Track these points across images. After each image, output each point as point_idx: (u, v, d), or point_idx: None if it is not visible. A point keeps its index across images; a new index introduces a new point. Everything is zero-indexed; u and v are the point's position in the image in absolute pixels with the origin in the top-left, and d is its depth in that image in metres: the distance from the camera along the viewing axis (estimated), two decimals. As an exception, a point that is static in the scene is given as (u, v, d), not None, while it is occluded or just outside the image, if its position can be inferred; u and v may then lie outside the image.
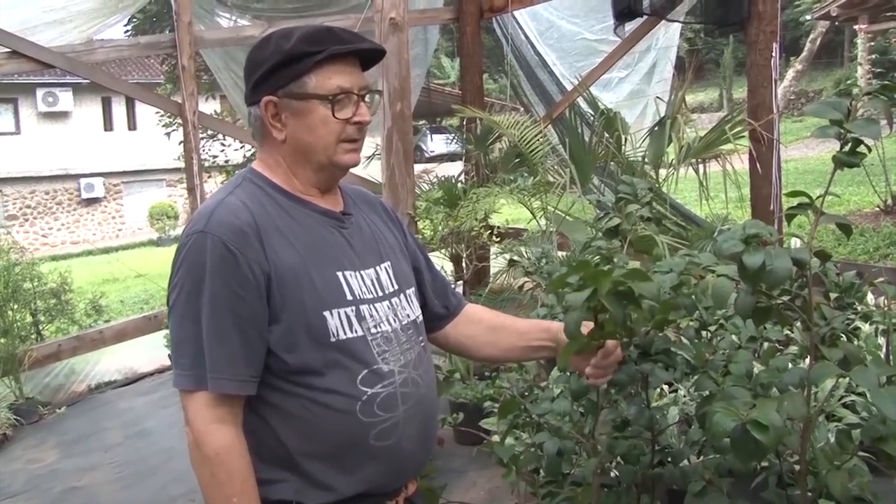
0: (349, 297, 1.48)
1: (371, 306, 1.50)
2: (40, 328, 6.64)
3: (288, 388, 1.43)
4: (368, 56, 1.55)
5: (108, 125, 22.94)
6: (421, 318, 1.66)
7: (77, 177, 22.47)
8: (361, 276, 1.52)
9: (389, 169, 3.65)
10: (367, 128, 1.55)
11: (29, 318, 6.53)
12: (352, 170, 1.61)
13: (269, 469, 1.45)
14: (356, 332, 1.46)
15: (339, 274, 1.49)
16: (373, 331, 1.49)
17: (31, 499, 4.37)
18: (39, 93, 21.21)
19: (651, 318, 1.63)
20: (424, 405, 1.57)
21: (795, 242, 2.61)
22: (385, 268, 1.59)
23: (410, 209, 3.78)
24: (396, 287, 1.59)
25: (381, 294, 1.54)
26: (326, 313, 1.44)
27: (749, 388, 1.47)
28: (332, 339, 1.43)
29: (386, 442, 1.48)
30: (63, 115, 22.01)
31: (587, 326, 1.51)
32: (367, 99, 1.53)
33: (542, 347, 1.75)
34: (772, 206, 4.41)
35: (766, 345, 1.96)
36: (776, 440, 1.26)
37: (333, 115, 1.47)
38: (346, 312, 1.46)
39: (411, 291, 1.65)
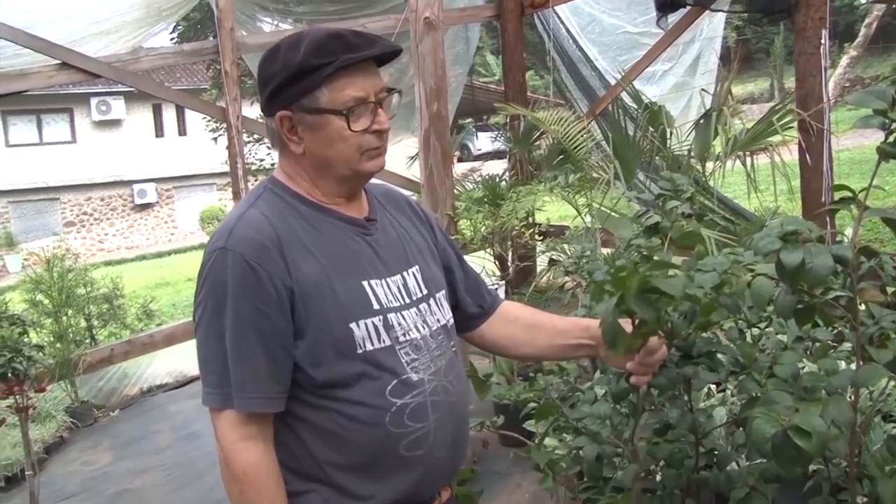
0: (375, 307, 1.44)
1: (398, 314, 1.47)
2: (94, 333, 6.80)
3: (316, 402, 1.41)
4: (384, 55, 1.48)
5: (158, 131, 23.39)
6: (452, 322, 1.62)
7: (130, 183, 22.95)
8: (388, 283, 1.49)
9: (428, 169, 3.63)
10: (388, 133, 1.50)
11: (83, 323, 6.70)
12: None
13: (300, 481, 1.43)
14: (384, 342, 1.43)
15: (365, 283, 1.45)
16: (401, 339, 1.45)
17: (85, 500, 4.48)
18: (93, 102, 21.73)
19: (691, 320, 1.58)
20: (455, 412, 1.53)
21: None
22: (413, 272, 1.55)
23: (449, 210, 3.75)
24: (425, 292, 1.55)
25: (408, 301, 1.50)
26: (353, 325, 1.41)
27: (791, 392, 1.40)
28: (360, 351, 1.41)
29: (417, 452, 1.45)
30: (116, 123, 22.51)
31: (628, 323, 1.45)
32: (384, 103, 1.47)
33: (581, 346, 1.67)
34: (823, 199, 4.28)
35: (818, 343, 1.88)
36: (820, 447, 1.20)
37: (350, 129, 1.42)
38: (372, 322, 1.43)
39: (441, 295, 1.60)
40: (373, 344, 1.42)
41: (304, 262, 1.41)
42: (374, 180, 1.62)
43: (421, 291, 1.55)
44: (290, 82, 1.42)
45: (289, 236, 1.42)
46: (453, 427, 1.52)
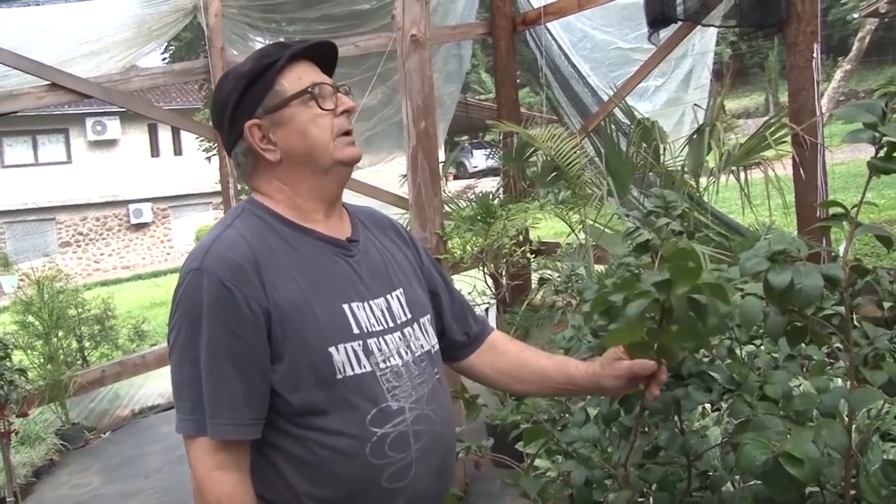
0: (355, 331, 1.40)
1: (379, 339, 1.42)
2: (86, 354, 6.74)
3: (294, 432, 1.36)
4: (325, 61, 1.51)
5: (154, 151, 23.37)
6: (437, 348, 1.57)
7: (126, 203, 22.91)
8: (370, 306, 1.44)
9: (416, 188, 3.58)
10: (353, 117, 1.51)
11: (75, 345, 6.64)
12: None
13: None
14: (364, 367, 1.38)
15: (345, 306, 1.41)
16: (381, 366, 1.41)
17: (73, 526, 4.41)
18: (88, 122, 21.71)
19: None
20: (439, 441, 1.48)
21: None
22: (397, 296, 1.51)
23: (438, 229, 3.70)
24: (409, 316, 1.51)
25: (391, 325, 1.46)
26: (332, 349, 1.36)
27: (783, 415, 1.36)
28: (339, 376, 1.36)
29: (399, 483, 1.39)
30: (111, 143, 22.49)
31: (621, 352, 1.44)
32: (341, 90, 1.49)
33: (563, 390, 1.67)
34: (819, 213, 4.25)
35: (813, 360, 1.84)
36: (812, 474, 1.15)
37: (319, 107, 1.42)
38: (352, 347, 1.38)
39: (426, 319, 1.56)
40: (353, 369, 1.37)
41: (283, 283, 1.37)
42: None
43: (405, 315, 1.50)
44: (247, 89, 1.43)
45: (267, 257, 1.38)
46: (437, 456, 1.47)
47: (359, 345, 1.39)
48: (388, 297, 1.49)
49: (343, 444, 1.35)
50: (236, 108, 1.43)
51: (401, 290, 1.53)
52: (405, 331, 1.48)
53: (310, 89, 1.43)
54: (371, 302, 1.45)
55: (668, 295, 1.27)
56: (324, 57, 1.50)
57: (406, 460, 1.40)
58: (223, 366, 1.32)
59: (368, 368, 1.39)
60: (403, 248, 1.65)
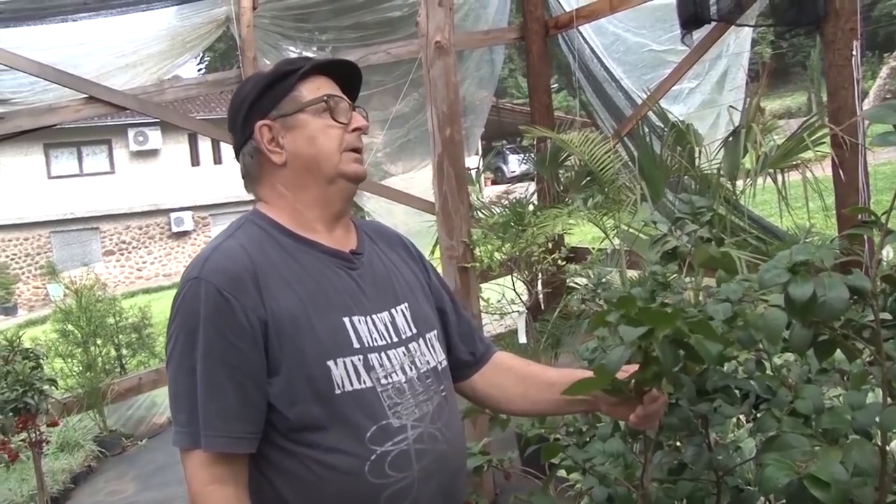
0: (356, 345, 1.36)
1: (381, 354, 1.38)
2: (124, 362, 6.84)
3: (291, 448, 1.32)
4: (349, 86, 1.51)
5: (194, 160, 23.65)
6: (445, 364, 1.53)
7: (167, 211, 23.23)
8: (373, 320, 1.41)
9: (442, 196, 3.53)
10: (364, 135, 1.51)
11: (113, 353, 6.74)
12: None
13: None
14: (364, 383, 1.34)
15: (346, 320, 1.37)
16: (382, 381, 1.36)
17: (108, 534, 4.45)
18: (131, 133, 22.06)
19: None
20: (446, 462, 1.42)
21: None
22: (402, 310, 1.47)
23: (465, 237, 3.65)
24: (414, 331, 1.47)
25: (395, 340, 1.42)
26: (330, 363, 1.32)
27: (811, 434, 1.29)
28: (337, 391, 1.32)
29: None
30: (153, 153, 22.84)
31: (626, 371, 1.32)
32: (357, 111, 1.49)
33: (576, 401, 1.54)
34: (860, 216, 4.12)
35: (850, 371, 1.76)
36: (839, 499, 1.09)
37: (333, 118, 1.43)
38: (352, 362, 1.34)
39: (432, 335, 1.52)
40: (352, 384, 1.33)
41: (282, 294, 1.34)
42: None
43: (410, 330, 1.46)
44: (266, 90, 1.44)
45: (266, 267, 1.35)
46: (442, 477, 1.41)
47: (359, 359, 1.35)
48: (393, 311, 1.46)
49: (341, 461, 1.31)
50: (252, 106, 1.44)
51: (406, 304, 1.49)
52: (410, 346, 1.45)
53: (325, 98, 1.43)
54: (374, 316, 1.42)
55: (650, 342, 1.23)
56: (348, 81, 1.51)
57: (407, 480, 1.35)
58: (218, 377, 1.29)
59: (369, 384, 1.35)
60: (411, 263, 1.62)
